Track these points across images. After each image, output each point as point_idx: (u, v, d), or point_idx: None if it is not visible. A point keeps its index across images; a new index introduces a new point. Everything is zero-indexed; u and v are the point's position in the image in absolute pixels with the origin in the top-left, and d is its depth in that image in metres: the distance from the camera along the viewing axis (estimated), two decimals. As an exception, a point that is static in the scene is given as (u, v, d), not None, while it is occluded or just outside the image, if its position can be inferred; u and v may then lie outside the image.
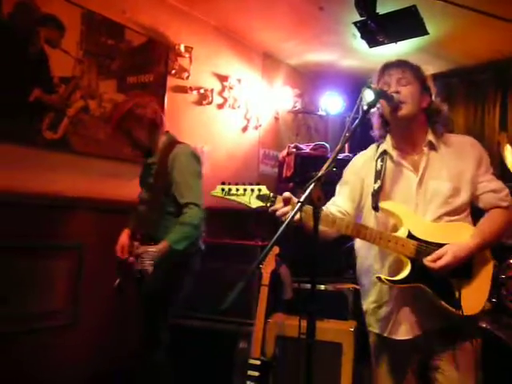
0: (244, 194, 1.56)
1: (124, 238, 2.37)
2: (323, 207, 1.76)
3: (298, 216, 1.33)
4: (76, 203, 2.86)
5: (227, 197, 1.58)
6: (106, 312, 2.94)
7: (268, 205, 1.54)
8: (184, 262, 2.36)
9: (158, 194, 2.34)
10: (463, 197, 1.66)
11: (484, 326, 2.57)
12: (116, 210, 2.90)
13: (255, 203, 1.56)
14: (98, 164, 3.05)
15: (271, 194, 1.55)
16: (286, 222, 1.25)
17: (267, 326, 2.63)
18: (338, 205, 1.79)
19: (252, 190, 1.56)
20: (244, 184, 1.58)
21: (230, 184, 1.59)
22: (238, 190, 1.57)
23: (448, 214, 1.65)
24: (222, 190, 1.59)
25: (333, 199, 1.84)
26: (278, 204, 1.53)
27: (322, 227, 1.45)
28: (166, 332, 2.34)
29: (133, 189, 2.55)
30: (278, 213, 1.51)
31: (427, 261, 1.55)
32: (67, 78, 2.88)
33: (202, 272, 2.96)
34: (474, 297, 1.62)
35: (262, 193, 1.56)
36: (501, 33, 3.73)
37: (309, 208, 1.41)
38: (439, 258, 1.55)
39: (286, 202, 1.51)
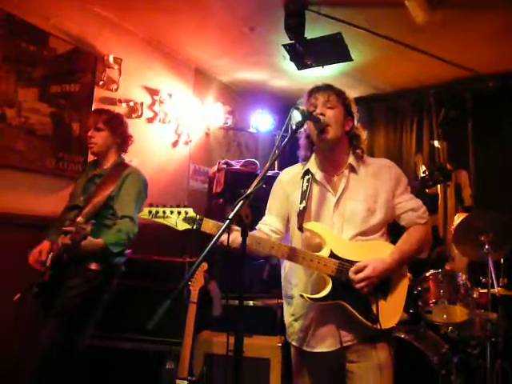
0: (171, 217, 1.61)
1: (45, 244, 2.27)
2: (256, 227, 1.80)
3: (225, 235, 1.34)
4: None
5: (154, 219, 1.63)
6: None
7: (194, 227, 1.59)
8: (105, 282, 2.31)
9: (98, 204, 2.31)
10: (378, 217, 1.75)
11: (402, 336, 2.72)
12: (33, 225, 2.69)
13: (182, 226, 1.60)
14: (14, 176, 2.84)
15: (197, 217, 1.60)
16: (214, 239, 1.25)
17: (195, 344, 2.58)
18: (269, 224, 1.84)
19: (179, 213, 1.61)
20: (172, 206, 1.62)
21: (157, 206, 1.63)
22: (164, 212, 1.62)
23: (363, 233, 1.73)
24: (150, 212, 1.63)
25: (264, 218, 1.88)
26: (205, 225, 1.58)
27: (249, 246, 1.48)
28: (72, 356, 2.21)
29: (53, 203, 2.41)
30: None
31: (350, 272, 1.63)
32: (-19, 83, 2.68)
33: (129, 289, 2.86)
34: (391, 311, 1.71)
35: (188, 215, 1.60)
36: (418, 63, 4.03)
37: (237, 229, 1.45)
38: (360, 271, 1.63)
39: None
